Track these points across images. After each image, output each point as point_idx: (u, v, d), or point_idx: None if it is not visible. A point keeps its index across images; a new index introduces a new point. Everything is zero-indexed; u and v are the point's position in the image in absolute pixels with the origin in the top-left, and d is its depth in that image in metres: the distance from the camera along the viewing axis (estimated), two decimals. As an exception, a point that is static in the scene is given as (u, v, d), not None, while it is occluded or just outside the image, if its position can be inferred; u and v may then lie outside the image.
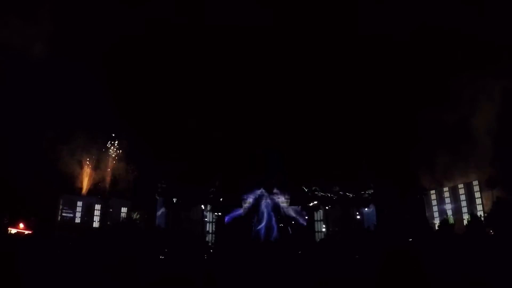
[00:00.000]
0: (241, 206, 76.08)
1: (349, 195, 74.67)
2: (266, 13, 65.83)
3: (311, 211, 75.34)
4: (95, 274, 27.73)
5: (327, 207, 74.80)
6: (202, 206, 74.15)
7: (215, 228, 74.46)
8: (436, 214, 71.48)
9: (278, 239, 72.08)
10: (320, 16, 69.35)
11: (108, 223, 67.73)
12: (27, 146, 60.89)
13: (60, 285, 25.37)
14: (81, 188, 71.49)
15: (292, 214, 76.49)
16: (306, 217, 75.49)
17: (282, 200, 76.98)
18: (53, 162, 63.96)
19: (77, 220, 68.95)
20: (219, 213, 74.65)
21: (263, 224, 74.33)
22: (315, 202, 75.39)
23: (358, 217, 73.86)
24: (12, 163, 57.95)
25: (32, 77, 60.42)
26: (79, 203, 69.96)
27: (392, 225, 62.71)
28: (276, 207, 76.10)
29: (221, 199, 74.76)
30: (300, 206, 76.12)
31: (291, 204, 76.74)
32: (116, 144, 73.49)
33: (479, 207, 64.82)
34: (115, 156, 73.36)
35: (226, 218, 75.26)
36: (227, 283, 28.34)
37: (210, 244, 70.17)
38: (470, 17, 58.03)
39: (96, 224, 68.98)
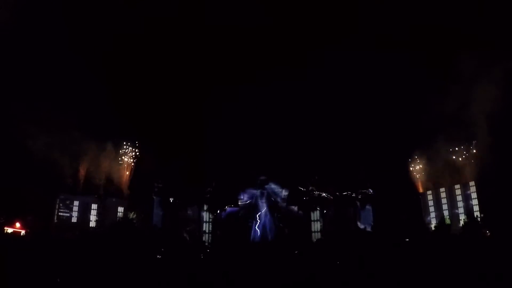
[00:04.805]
0: (238, 206, 76.08)
1: (346, 195, 74.77)
2: (267, 14, 65.85)
3: (308, 211, 75.33)
4: (92, 274, 27.65)
5: (323, 207, 74.82)
6: (199, 206, 74.05)
7: (212, 228, 74.36)
8: (432, 215, 71.70)
9: (275, 239, 72.10)
10: (320, 16, 69.55)
11: (105, 222, 67.55)
12: (24, 145, 60.57)
13: (58, 285, 25.30)
14: (77, 187, 71.21)
15: (289, 214, 76.50)
16: (303, 217, 75.47)
17: (279, 200, 77.00)
18: (50, 160, 63.64)
19: (74, 220, 68.86)
20: (216, 213, 74.55)
21: (260, 224, 74.33)
22: (312, 202, 75.39)
23: (355, 217, 73.94)
24: (8, 162, 57.71)
25: (30, 76, 60.32)
26: (76, 203, 69.77)
27: (389, 226, 62.91)
28: (273, 207, 76.08)
29: (217, 199, 74.64)
30: (296, 206, 76.11)
31: (288, 204, 76.68)
32: (113, 143, 73.25)
33: (476, 208, 65.02)
34: (112, 155, 73.12)
35: (223, 217, 75.18)
36: (224, 283, 28.32)
37: (207, 244, 70.11)
38: (470, 17, 57.94)
39: (92, 224, 68.88)
